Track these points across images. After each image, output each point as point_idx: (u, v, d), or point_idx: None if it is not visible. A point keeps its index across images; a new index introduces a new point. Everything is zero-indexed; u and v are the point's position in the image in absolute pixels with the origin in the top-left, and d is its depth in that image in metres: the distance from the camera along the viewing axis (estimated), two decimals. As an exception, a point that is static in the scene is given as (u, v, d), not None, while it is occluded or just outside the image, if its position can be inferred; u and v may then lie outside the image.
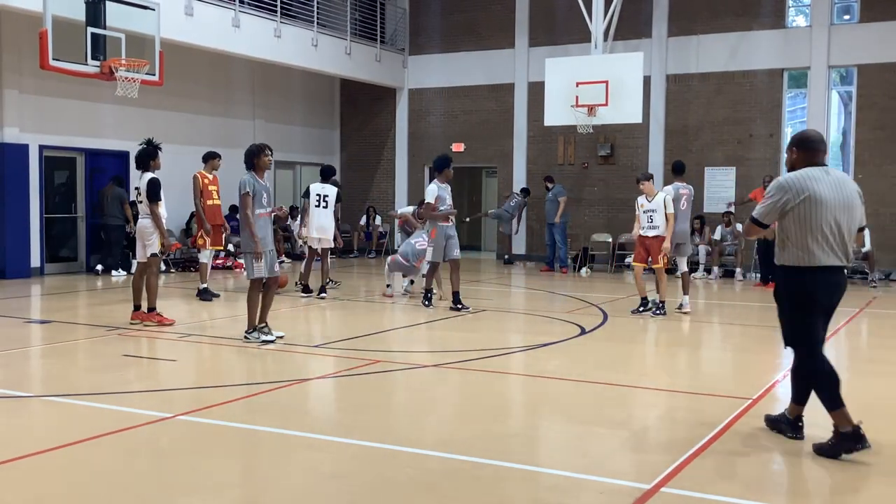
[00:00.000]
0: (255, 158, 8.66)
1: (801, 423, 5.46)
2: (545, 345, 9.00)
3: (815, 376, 5.26)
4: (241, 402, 6.35)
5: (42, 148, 15.37)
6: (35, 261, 15.27)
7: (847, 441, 5.04)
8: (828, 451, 5.09)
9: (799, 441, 5.37)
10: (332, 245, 12.77)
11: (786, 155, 5.58)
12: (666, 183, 18.79)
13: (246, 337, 8.72)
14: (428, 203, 11.34)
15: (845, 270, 5.30)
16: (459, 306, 11.21)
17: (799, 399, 5.46)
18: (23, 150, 14.87)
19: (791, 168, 5.38)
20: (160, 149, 10.16)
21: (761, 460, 5.21)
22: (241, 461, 5.00)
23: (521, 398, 6.63)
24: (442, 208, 11.26)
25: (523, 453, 5.33)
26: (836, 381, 5.17)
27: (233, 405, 6.22)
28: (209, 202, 12.23)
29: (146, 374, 7.68)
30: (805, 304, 5.21)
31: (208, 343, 8.98)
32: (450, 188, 11.54)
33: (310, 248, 12.93)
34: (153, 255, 9.86)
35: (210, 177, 12.34)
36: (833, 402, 5.12)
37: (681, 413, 6.29)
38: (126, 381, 7.11)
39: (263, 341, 8.60)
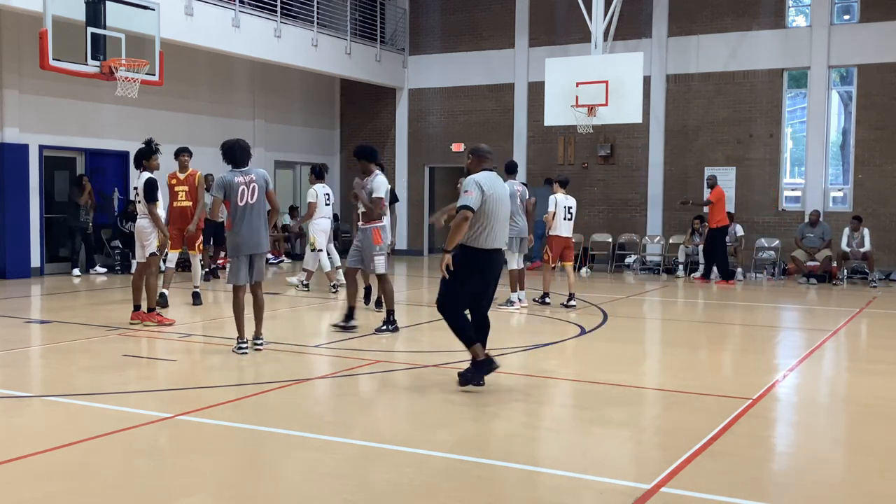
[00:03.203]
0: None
1: (493, 359, 6.69)
2: (545, 345, 9.01)
3: (457, 329, 6.66)
4: (241, 402, 6.36)
5: (42, 148, 15.37)
6: (35, 261, 15.27)
7: (484, 366, 6.62)
8: (471, 376, 6.63)
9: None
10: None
11: (467, 160, 6.90)
12: (666, 184, 18.87)
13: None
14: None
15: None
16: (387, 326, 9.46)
17: (473, 341, 6.62)
18: (23, 150, 14.87)
19: (468, 171, 6.79)
20: (158, 149, 9.95)
21: (761, 460, 5.22)
22: (241, 461, 5.00)
23: (521, 398, 6.62)
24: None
25: (523, 453, 5.33)
26: (467, 326, 6.67)
27: (232, 405, 6.23)
28: (175, 203, 11.55)
29: (146, 374, 7.68)
30: (472, 277, 6.59)
31: (209, 343, 8.98)
32: (360, 182, 9.45)
33: None
34: (152, 254, 9.86)
35: (180, 176, 11.63)
36: (469, 341, 6.62)
37: (681, 413, 6.29)
38: (126, 381, 7.10)
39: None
